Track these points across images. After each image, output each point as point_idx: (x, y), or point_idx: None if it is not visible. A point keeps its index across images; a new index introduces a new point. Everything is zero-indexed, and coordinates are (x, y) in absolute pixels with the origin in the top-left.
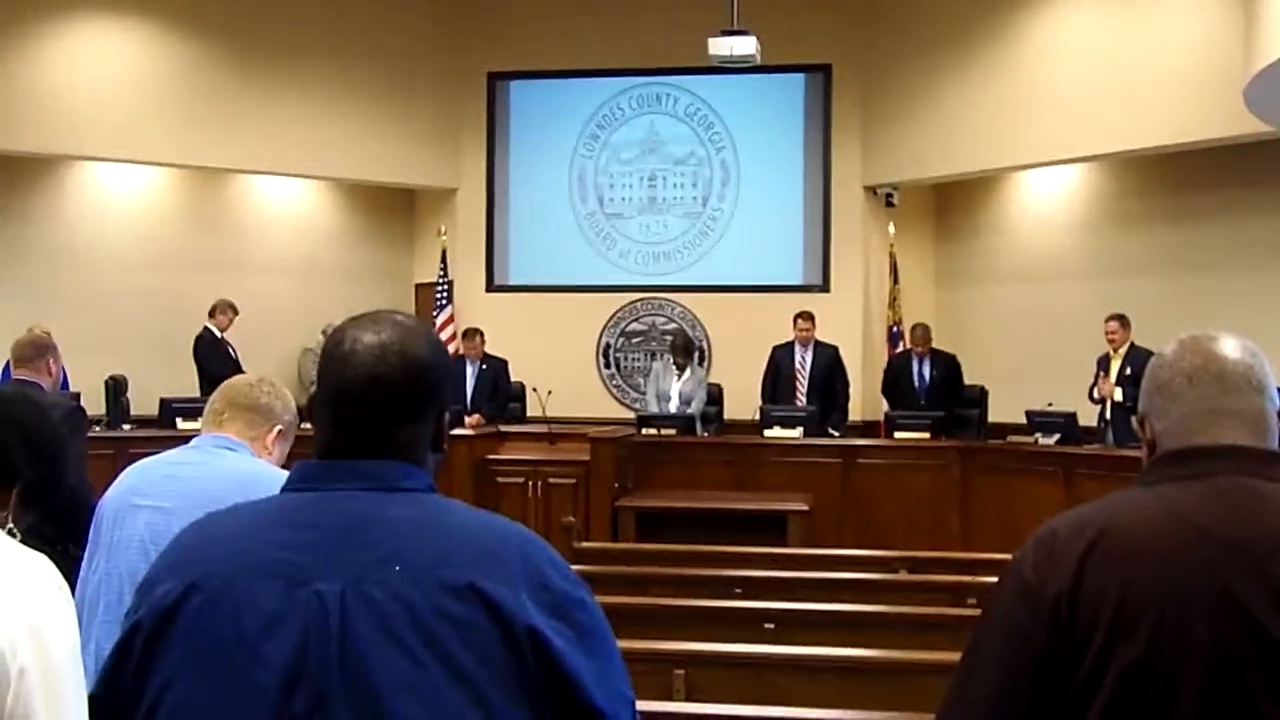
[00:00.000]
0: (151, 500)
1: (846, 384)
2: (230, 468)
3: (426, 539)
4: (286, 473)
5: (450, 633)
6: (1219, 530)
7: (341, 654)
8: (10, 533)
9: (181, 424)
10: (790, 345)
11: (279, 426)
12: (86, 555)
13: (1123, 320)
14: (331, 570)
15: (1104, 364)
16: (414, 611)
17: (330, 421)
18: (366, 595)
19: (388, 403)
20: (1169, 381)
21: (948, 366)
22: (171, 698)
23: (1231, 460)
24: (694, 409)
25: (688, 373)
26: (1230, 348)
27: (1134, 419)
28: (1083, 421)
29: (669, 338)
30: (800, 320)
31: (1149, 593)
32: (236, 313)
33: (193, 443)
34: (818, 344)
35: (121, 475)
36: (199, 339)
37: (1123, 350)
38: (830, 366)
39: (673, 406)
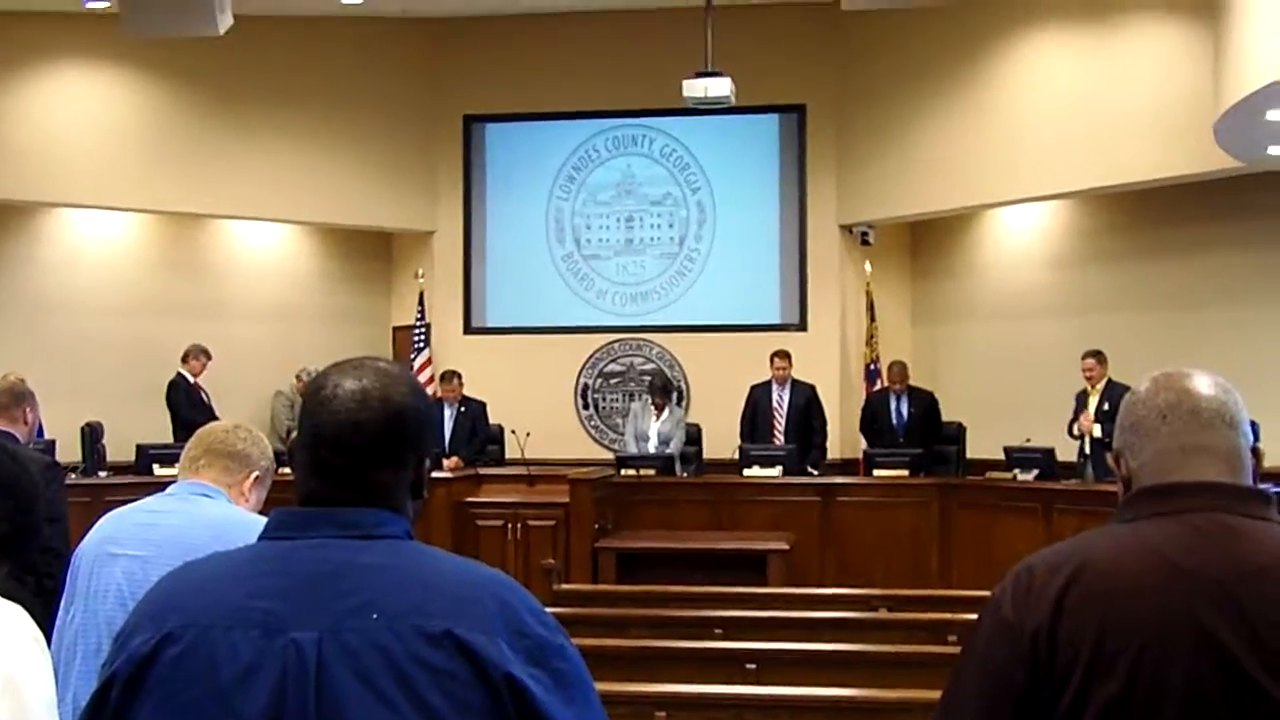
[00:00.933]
0: (128, 549)
1: (824, 422)
2: (207, 515)
3: (403, 587)
4: (263, 519)
5: (428, 681)
6: (1195, 567)
7: (319, 704)
8: None
9: (158, 470)
10: (768, 384)
11: (256, 473)
12: (63, 605)
13: (1099, 356)
14: (308, 619)
15: (1082, 400)
16: (391, 659)
17: (309, 467)
18: (343, 643)
19: (367, 449)
20: (1143, 419)
21: (925, 403)
22: None
23: (1207, 497)
24: (673, 449)
25: (666, 413)
26: (1204, 384)
27: (1109, 455)
28: (1061, 457)
29: (647, 378)
30: (777, 359)
31: (1126, 629)
32: (209, 358)
33: (169, 490)
34: (795, 383)
35: (98, 524)
36: (172, 385)
37: (1100, 386)
38: (807, 405)
39: (651, 446)
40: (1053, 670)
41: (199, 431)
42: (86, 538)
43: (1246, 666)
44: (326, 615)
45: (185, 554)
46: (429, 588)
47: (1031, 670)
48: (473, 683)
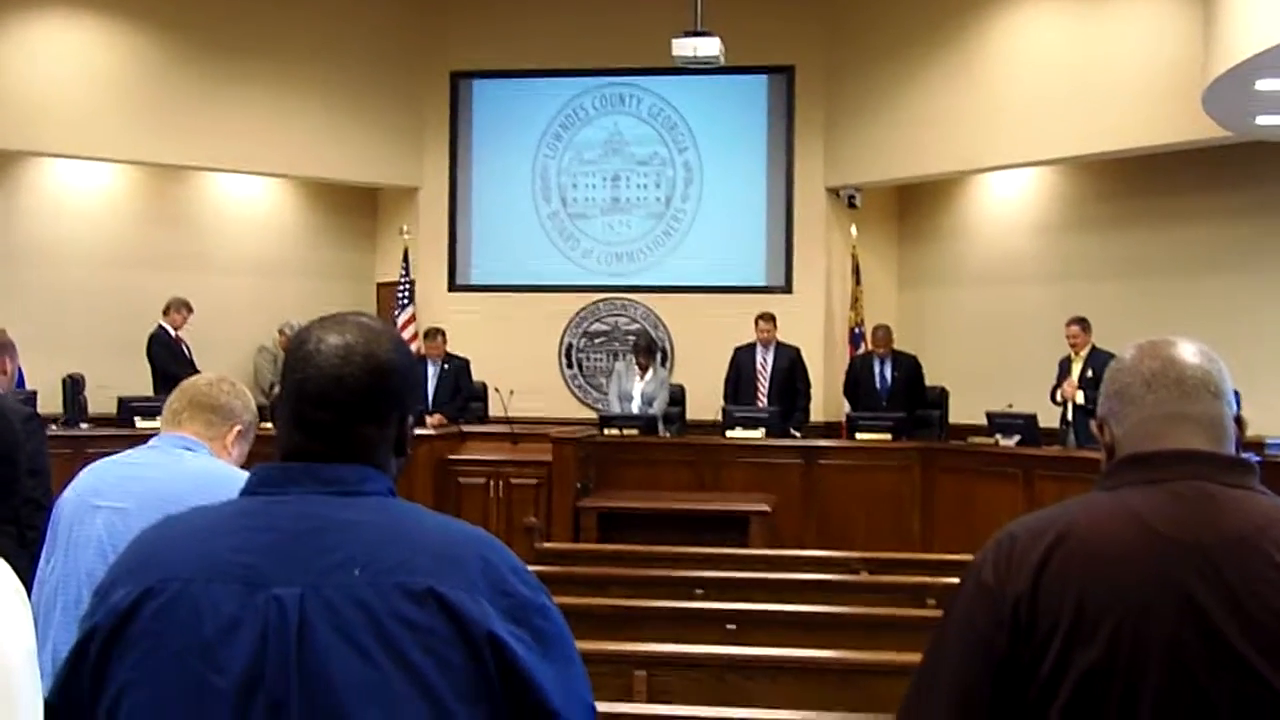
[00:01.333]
0: (110, 501)
1: (808, 385)
2: (189, 468)
3: (386, 543)
4: (246, 474)
5: (409, 638)
6: (1177, 534)
7: (300, 659)
8: None
9: (140, 423)
10: (752, 346)
11: (239, 426)
12: (44, 555)
13: (1083, 323)
14: (290, 574)
15: (1065, 366)
16: (373, 616)
17: (292, 422)
18: (325, 599)
19: (350, 404)
20: (1128, 386)
21: (909, 368)
22: (127, 703)
23: (1190, 465)
24: (656, 409)
25: (650, 373)
26: (1189, 353)
27: (1093, 422)
28: (1043, 423)
29: (631, 338)
30: (761, 321)
31: (1107, 596)
32: (191, 311)
33: (151, 442)
34: (779, 345)
35: (79, 475)
36: (153, 338)
37: (1084, 353)
38: (791, 367)
39: (635, 407)
40: (1033, 636)
41: (182, 384)
42: (67, 489)
43: (1227, 634)
44: (309, 571)
45: (166, 507)
46: (411, 545)
47: (1012, 636)
48: (454, 640)
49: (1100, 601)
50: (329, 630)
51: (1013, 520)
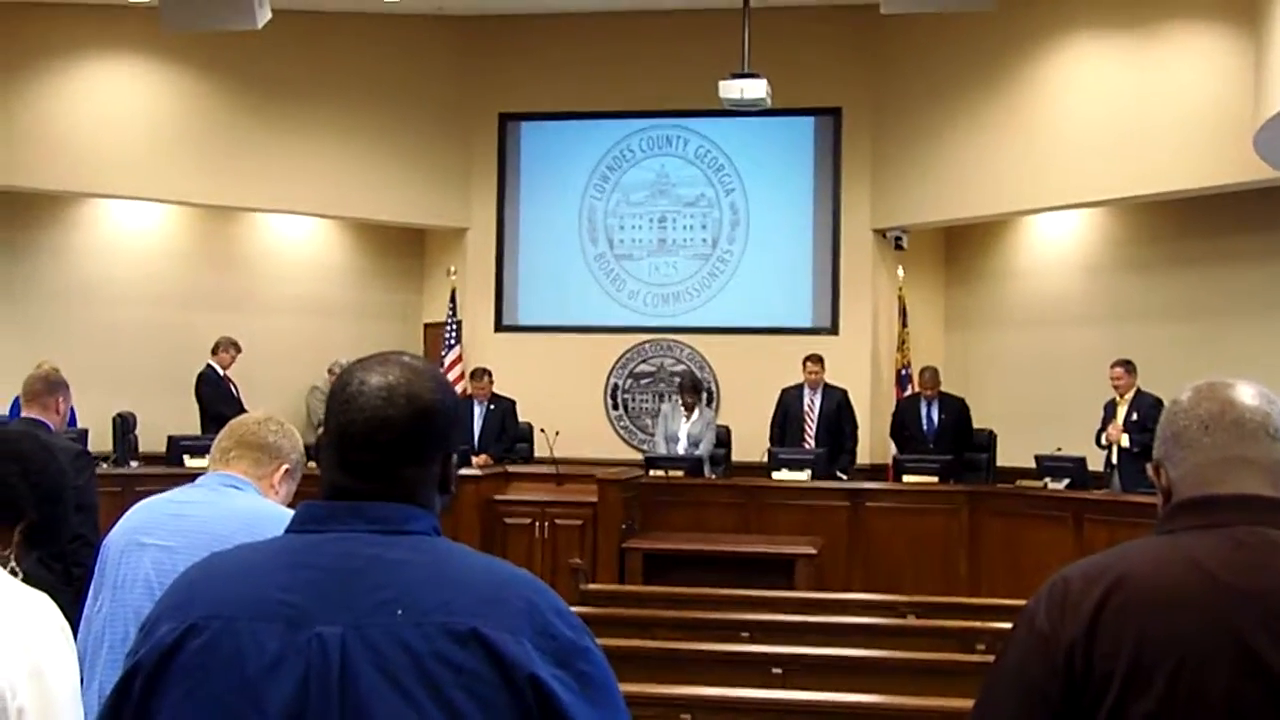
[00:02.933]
0: (157, 539)
1: (855, 427)
2: (237, 507)
3: (430, 583)
4: (292, 512)
5: (452, 679)
6: (1235, 581)
7: (342, 698)
8: (13, 572)
9: (189, 461)
10: (799, 388)
11: (286, 465)
12: (91, 594)
13: (1127, 365)
14: (333, 613)
15: (1111, 409)
16: (416, 657)
17: (336, 463)
18: (368, 639)
19: (394, 445)
20: (1185, 429)
21: (956, 410)
22: None
23: (1248, 511)
24: (702, 450)
25: (696, 413)
26: (1247, 395)
27: (1149, 465)
28: (1091, 466)
29: (677, 379)
30: (809, 363)
31: (1164, 643)
32: (239, 350)
33: (199, 481)
34: (826, 386)
35: (127, 513)
36: (201, 377)
37: (1129, 395)
38: (838, 409)
39: (681, 448)
40: (1089, 684)
41: (230, 423)
42: (115, 527)
43: None
44: (352, 610)
45: (213, 545)
46: (455, 586)
47: (1066, 683)
48: (497, 683)
49: (1157, 649)
50: (371, 671)
51: (1066, 565)
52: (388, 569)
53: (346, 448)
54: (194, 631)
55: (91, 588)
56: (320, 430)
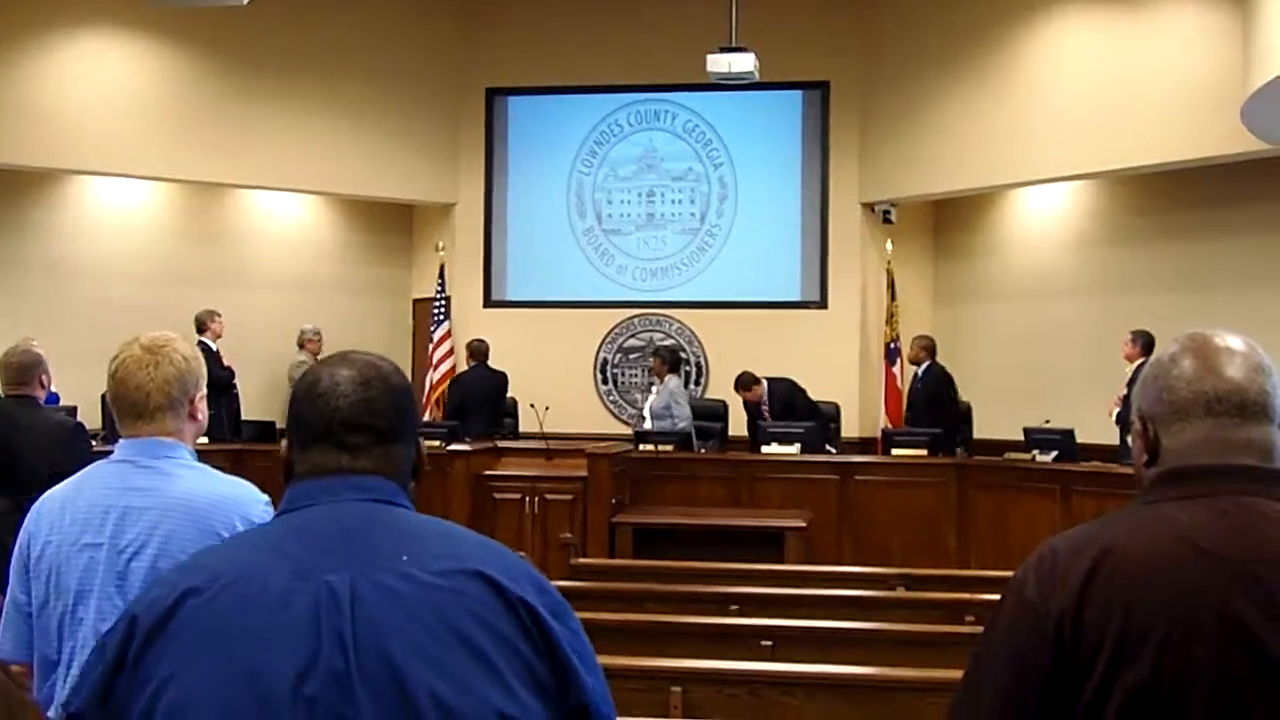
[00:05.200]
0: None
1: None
2: (190, 499)
3: (431, 538)
4: (251, 487)
5: (462, 608)
6: (1223, 551)
7: (355, 634)
8: None
9: None
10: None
11: (201, 392)
12: (32, 599)
13: (1134, 336)
14: (339, 564)
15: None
16: (428, 592)
17: (329, 446)
18: (377, 581)
19: (380, 426)
20: (1187, 404)
21: (931, 379)
22: (167, 698)
23: (1234, 480)
24: (685, 424)
25: (656, 386)
26: (1249, 369)
27: (1135, 415)
28: (1081, 439)
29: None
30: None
31: (1152, 614)
32: (221, 316)
33: (122, 452)
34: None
35: (47, 511)
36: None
37: (1130, 368)
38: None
39: (647, 424)
40: (1077, 654)
41: (121, 370)
42: (37, 523)
43: (1274, 653)
44: (357, 560)
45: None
46: (455, 539)
47: (1056, 653)
48: (503, 612)
49: (1145, 619)
50: (385, 606)
51: (1053, 536)
52: (387, 527)
53: (336, 432)
54: (193, 593)
55: (24, 588)
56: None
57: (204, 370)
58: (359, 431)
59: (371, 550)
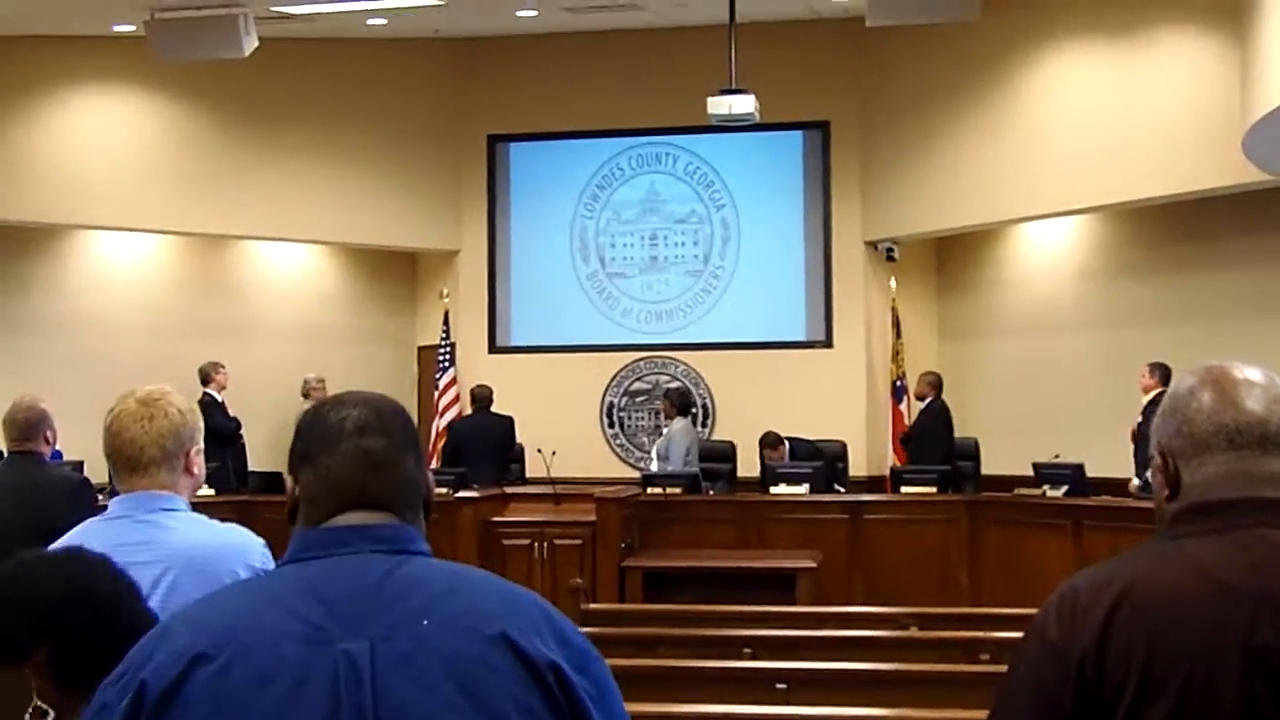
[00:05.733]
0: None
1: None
2: (192, 548)
3: (449, 594)
4: (249, 533)
5: (487, 680)
6: (1241, 584)
7: (376, 709)
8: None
9: None
10: None
11: (198, 445)
12: None
13: (1152, 367)
14: (357, 629)
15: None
16: (449, 661)
17: (335, 490)
18: (398, 649)
19: (400, 455)
20: (1207, 437)
21: (927, 414)
22: None
23: (1256, 513)
24: (672, 466)
25: (665, 429)
26: (1268, 404)
27: (1155, 449)
28: (1090, 473)
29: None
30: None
31: (1175, 651)
32: (225, 368)
33: (117, 508)
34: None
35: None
36: (204, 405)
37: (1146, 399)
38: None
39: (653, 466)
40: (1101, 693)
41: (115, 424)
42: None
43: None
44: (375, 625)
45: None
46: (474, 594)
47: (1079, 693)
48: (529, 684)
49: (1169, 656)
50: (404, 680)
51: (1066, 572)
52: (405, 583)
53: (360, 468)
54: (202, 660)
55: None
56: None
57: (200, 424)
58: (383, 466)
59: (390, 612)
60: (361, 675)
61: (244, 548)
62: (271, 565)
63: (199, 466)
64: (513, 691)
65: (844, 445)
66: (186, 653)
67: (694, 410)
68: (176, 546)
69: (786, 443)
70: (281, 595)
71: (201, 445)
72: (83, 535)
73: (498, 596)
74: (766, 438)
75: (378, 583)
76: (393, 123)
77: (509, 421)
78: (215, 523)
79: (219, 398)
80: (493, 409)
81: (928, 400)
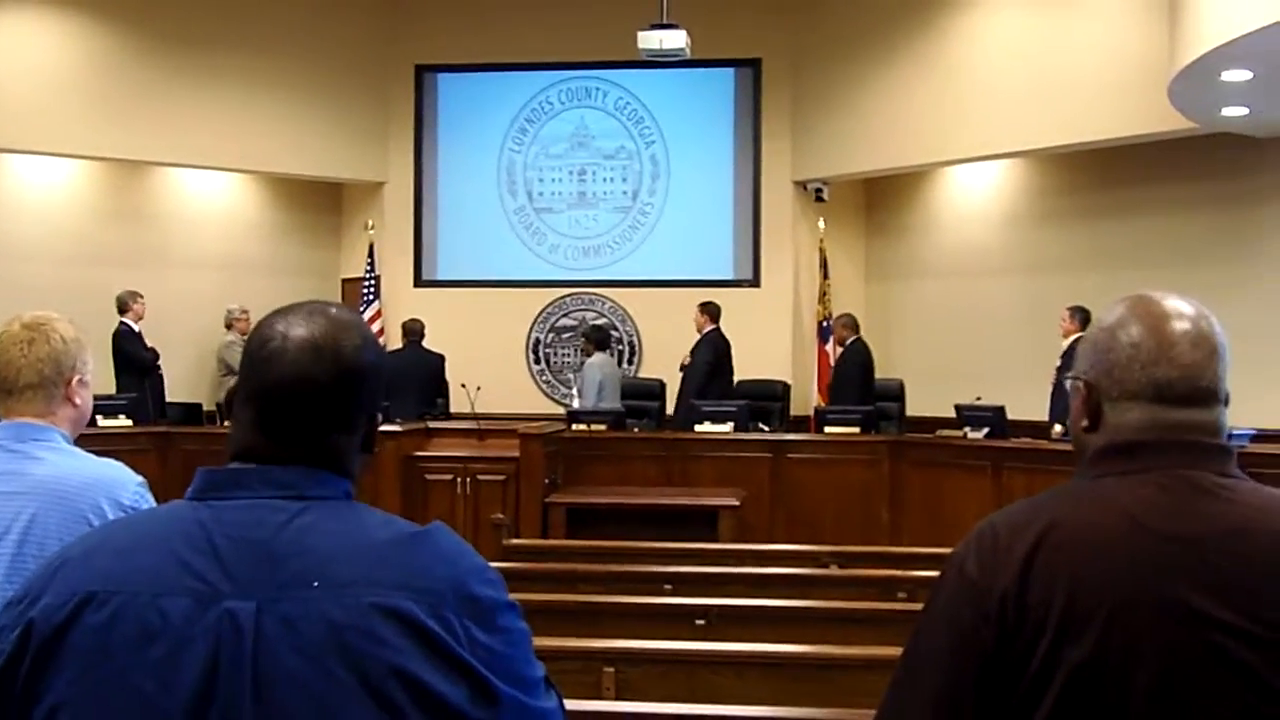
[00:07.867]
0: None
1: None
2: (57, 481)
3: (345, 555)
4: (124, 468)
5: (373, 655)
6: (1165, 528)
7: (255, 678)
8: None
9: (101, 421)
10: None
11: (81, 376)
12: None
13: (1071, 311)
14: (244, 587)
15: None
16: (335, 630)
17: (252, 423)
18: (282, 614)
19: (320, 410)
20: (1138, 388)
21: (848, 354)
22: None
23: (1176, 455)
24: (588, 403)
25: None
26: (1202, 355)
27: (1078, 381)
28: (1011, 415)
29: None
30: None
31: (1096, 592)
32: (143, 297)
33: None
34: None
35: None
36: (118, 334)
37: (1066, 342)
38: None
39: (576, 402)
40: (1021, 633)
41: None
42: None
43: (1218, 630)
44: (264, 584)
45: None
46: (371, 556)
47: (999, 632)
48: (420, 656)
49: (1088, 598)
50: (287, 648)
51: (985, 513)
52: (299, 538)
53: (266, 410)
54: (92, 602)
55: None
56: (230, 383)
57: (85, 355)
58: (293, 413)
59: (281, 570)
60: (244, 640)
61: (114, 482)
62: (147, 504)
63: (81, 398)
64: (400, 665)
65: (786, 385)
66: (74, 595)
67: (613, 347)
68: (40, 478)
69: (715, 327)
70: (175, 539)
71: (87, 377)
72: None
73: (397, 558)
74: (708, 306)
75: (270, 537)
76: (319, 50)
77: (439, 359)
78: (90, 456)
79: (136, 327)
80: (423, 344)
81: (847, 342)
